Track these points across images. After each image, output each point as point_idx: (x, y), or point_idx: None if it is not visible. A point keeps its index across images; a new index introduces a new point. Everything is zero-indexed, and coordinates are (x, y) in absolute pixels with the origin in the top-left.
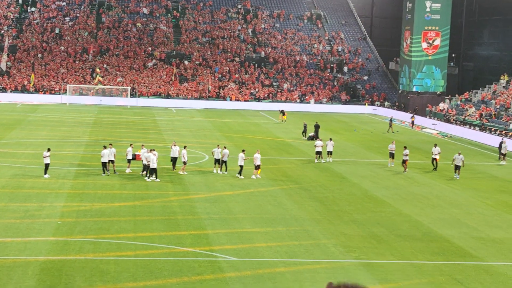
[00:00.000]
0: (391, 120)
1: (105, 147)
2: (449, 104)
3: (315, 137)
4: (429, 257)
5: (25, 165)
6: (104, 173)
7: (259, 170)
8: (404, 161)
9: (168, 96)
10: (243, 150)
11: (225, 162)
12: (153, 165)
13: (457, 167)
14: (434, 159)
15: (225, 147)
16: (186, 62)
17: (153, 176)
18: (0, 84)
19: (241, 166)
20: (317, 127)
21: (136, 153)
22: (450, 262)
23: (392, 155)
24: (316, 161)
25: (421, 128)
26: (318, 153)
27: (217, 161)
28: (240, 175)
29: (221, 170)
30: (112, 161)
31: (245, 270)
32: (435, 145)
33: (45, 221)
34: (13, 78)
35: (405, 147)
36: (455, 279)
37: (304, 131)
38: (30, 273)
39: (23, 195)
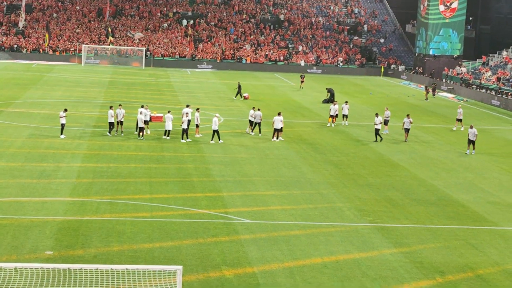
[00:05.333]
0: (426, 87)
1: (111, 107)
2: (467, 68)
3: (331, 100)
4: (444, 222)
5: (41, 125)
6: (109, 133)
7: (281, 132)
8: (406, 130)
9: (184, 58)
10: (279, 113)
11: (258, 123)
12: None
13: (469, 142)
14: (376, 130)
15: (258, 109)
16: (201, 23)
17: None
18: (16, 44)
19: (276, 129)
20: (330, 90)
21: (152, 114)
22: (465, 226)
23: (386, 122)
24: (328, 124)
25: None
26: (332, 116)
27: (251, 122)
28: (277, 138)
29: (252, 131)
30: (121, 122)
31: (260, 232)
32: (377, 115)
33: (61, 181)
34: (28, 38)
35: (408, 115)
36: (469, 243)
37: (239, 92)
38: (48, 232)
39: (39, 155)
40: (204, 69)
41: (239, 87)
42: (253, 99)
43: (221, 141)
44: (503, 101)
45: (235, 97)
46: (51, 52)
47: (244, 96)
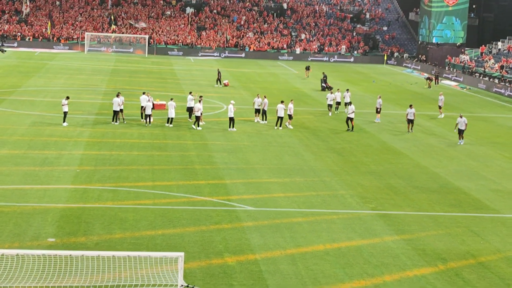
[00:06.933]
0: (428, 78)
1: (117, 95)
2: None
3: (327, 88)
4: (446, 209)
5: (44, 113)
6: (113, 120)
7: (292, 119)
8: (410, 121)
9: (187, 45)
10: (282, 101)
11: (265, 111)
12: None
13: (460, 132)
14: (349, 118)
15: (265, 97)
16: (204, 11)
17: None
18: (18, 32)
19: (281, 117)
20: (324, 77)
21: (155, 102)
22: (467, 214)
23: (378, 111)
24: (330, 114)
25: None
26: (330, 105)
27: (257, 110)
28: (280, 126)
29: (262, 120)
30: (121, 110)
31: (263, 219)
32: (350, 103)
33: (64, 169)
34: (31, 26)
35: (411, 106)
36: (471, 231)
37: (218, 79)
38: (50, 220)
39: (42, 143)
40: (206, 57)
41: (219, 73)
42: (259, 87)
43: (234, 129)
44: (506, 89)
45: (216, 84)
46: (53, 40)
47: (224, 83)
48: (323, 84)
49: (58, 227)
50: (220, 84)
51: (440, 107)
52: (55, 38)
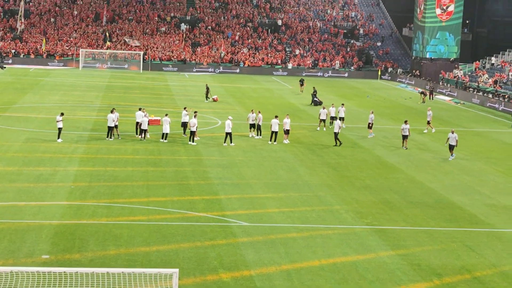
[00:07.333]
0: (422, 92)
1: (111, 111)
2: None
3: (319, 103)
4: (441, 224)
5: (38, 130)
6: (108, 136)
7: (288, 134)
8: (404, 136)
9: (182, 61)
10: (276, 116)
11: (259, 126)
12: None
13: (451, 147)
14: (335, 133)
15: (259, 112)
16: (199, 27)
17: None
18: (13, 49)
19: (275, 132)
20: (314, 91)
21: (150, 118)
22: (462, 228)
23: (370, 126)
24: (318, 128)
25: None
26: (323, 120)
27: (252, 125)
28: (275, 141)
29: (256, 135)
30: (116, 126)
31: (258, 235)
32: (341, 119)
33: (58, 185)
34: (25, 42)
35: (406, 121)
36: (467, 246)
37: (207, 94)
38: (44, 236)
39: (36, 159)
40: (200, 72)
41: (207, 89)
42: (254, 102)
43: (232, 143)
44: (500, 104)
45: (206, 100)
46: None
47: (213, 98)
48: (315, 99)
49: (53, 243)
50: (210, 98)
51: (428, 122)
52: (45, 55)
